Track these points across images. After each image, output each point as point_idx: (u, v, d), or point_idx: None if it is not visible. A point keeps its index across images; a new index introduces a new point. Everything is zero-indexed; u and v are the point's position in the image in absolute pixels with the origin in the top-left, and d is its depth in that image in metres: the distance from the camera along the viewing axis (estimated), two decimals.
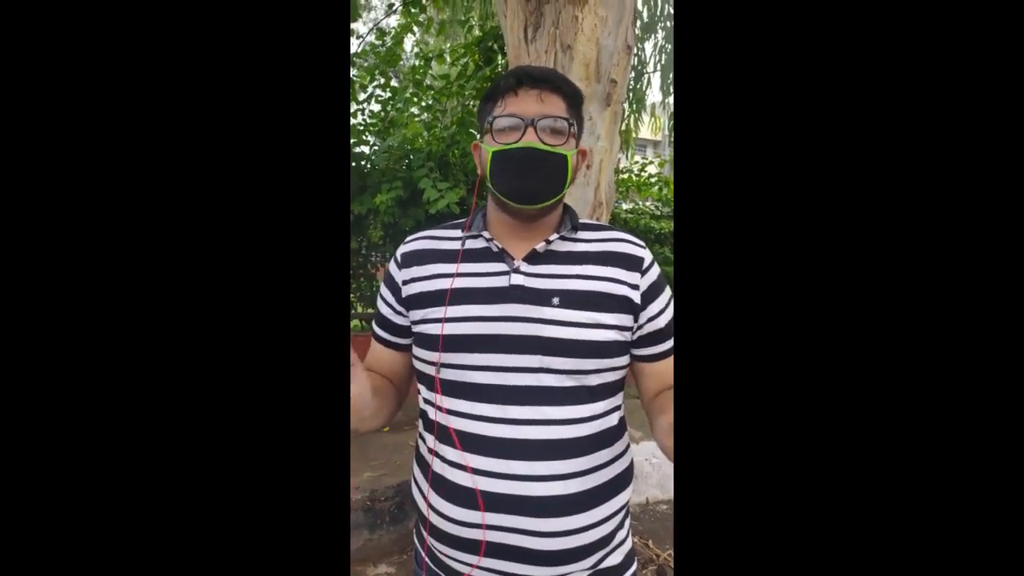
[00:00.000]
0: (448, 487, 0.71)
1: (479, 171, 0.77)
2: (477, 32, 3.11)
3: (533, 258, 0.75)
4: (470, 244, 0.77)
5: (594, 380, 0.72)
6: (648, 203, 3.95)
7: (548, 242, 0.76)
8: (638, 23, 2.75)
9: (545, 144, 0.70)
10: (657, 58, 3.08)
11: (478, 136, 0.77)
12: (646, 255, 0.78)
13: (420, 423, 0.80)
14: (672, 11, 2.85)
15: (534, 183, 0.72)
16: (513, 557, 0.69)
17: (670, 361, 0.79)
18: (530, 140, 0.70)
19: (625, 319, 0.73)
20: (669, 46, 2.87)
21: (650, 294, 0.76)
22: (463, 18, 3.32)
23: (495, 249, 0.75)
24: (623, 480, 0.76)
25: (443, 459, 0.72)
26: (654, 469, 2.77)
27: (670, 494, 2.77)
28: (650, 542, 2.30)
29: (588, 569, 0.72)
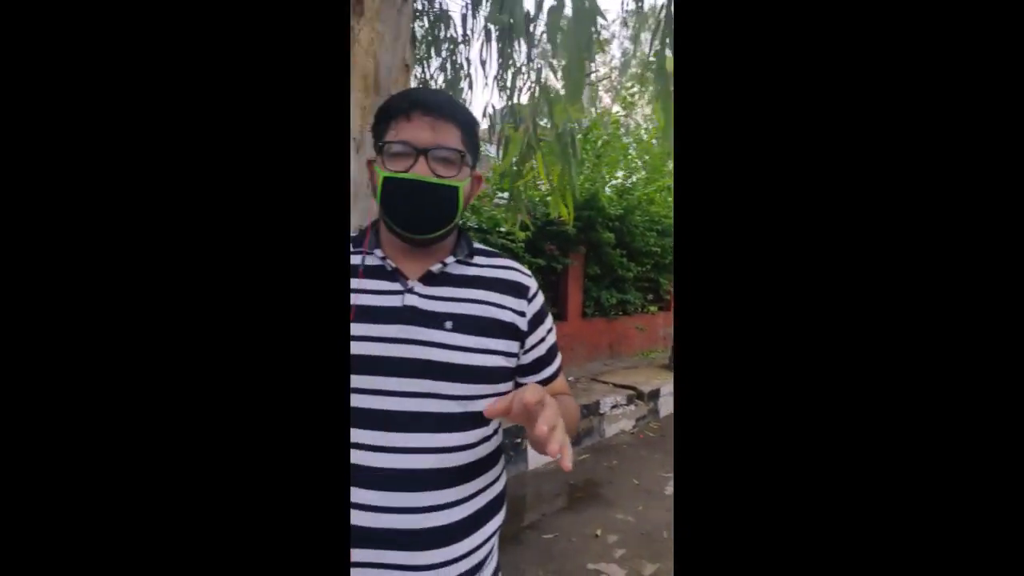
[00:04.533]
0: None
1: (371, 190, 0.76)
2: None
3: (428, 279, 0.73)
4: (367, 260, 0.75)
5: (479, 406, 0.69)
6: None
7: (444, 264, 0.74)
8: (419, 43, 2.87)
9: (436, 176, 0.69)
10: (442, 76, 3.19)
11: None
12: (532, 283, 0.79)
13: None
14: (452, 34, 3.00)
15: (423, 214, 0.71)
16: None
17: (552, 386, 0.81)
18: (420, 171, 0.69)
19: (512, 345, 0.74)
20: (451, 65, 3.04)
21: (535, 321, 0.77)
22: None
23: (389, 268, 0.73)
24: (498, 503, 0.76)
25: None
26: None
27: None
28: None
29: None
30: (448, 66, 2.98)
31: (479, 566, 0.71)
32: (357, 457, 0.65)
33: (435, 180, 0.69)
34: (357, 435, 0.66)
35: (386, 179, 0.70)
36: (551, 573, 2.23)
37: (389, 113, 0.72)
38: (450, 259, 0.75)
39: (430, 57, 3.03)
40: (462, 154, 0.71)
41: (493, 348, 0.71)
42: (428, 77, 3.17)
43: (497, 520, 0.75)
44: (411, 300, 0.70)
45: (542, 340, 0.78)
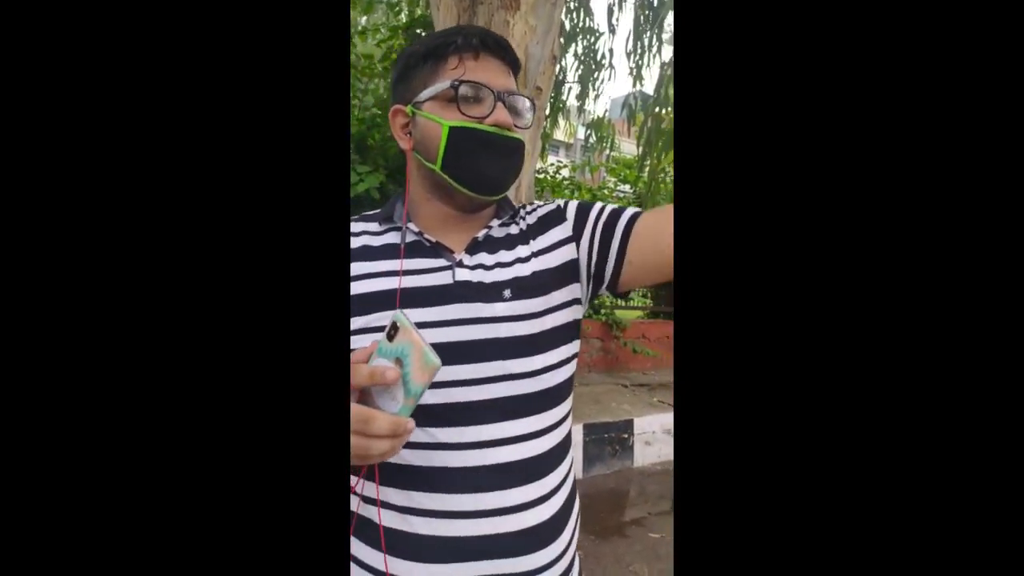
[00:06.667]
0: (412, 542, 0.56)
1: (408, 145, 0.62)
2: (404, 17, 2.89)
3: (475, 248, 0.63)
4: (397, 238, 0.63)
5: (556, 378, 0.61)
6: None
7: (488, 228, 0.64)
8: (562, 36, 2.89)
9: (516, 127, 0.59)
10: (576, 67, 3.16)
11: (394, 100, 0.64)
12: (560, 202, 0.69)
13: None
14: (591, 24, 2.98)
15: (504, 172, 0.60)
16: None
17: (641, 221, 0.64)
18: (500, 120, 0.58)
19: (575, 289, 0.64)
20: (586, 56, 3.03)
21: (578, 223, 0.65)
22: None
23: (428, 243, 0.62)
24: (575, 493, 0.67)
25: (395, 507, 0.57)
26: None
27: None
28: None
29: None
30: (587, 56, 2.99)
31: (571, 557, 0.63)
32: (440, 459, 0.56)
33: (515, 134, 0.59)
34: (436, 434, 0.56)
35: (457, 128, 0.57)
36: (659, 573, 2.21)
37: (445, 50, 0.59)
38: (494, 223, 0.65)
39: (568, 48, 3.06)
40: (533, 103, 0.63)
41: (559, 302, 0.62)
42: (566, 67, 3.21)
43: (576, 510, 0.66)
44: (462, 275, 0.60)
45: (597, 219, 0.64)
